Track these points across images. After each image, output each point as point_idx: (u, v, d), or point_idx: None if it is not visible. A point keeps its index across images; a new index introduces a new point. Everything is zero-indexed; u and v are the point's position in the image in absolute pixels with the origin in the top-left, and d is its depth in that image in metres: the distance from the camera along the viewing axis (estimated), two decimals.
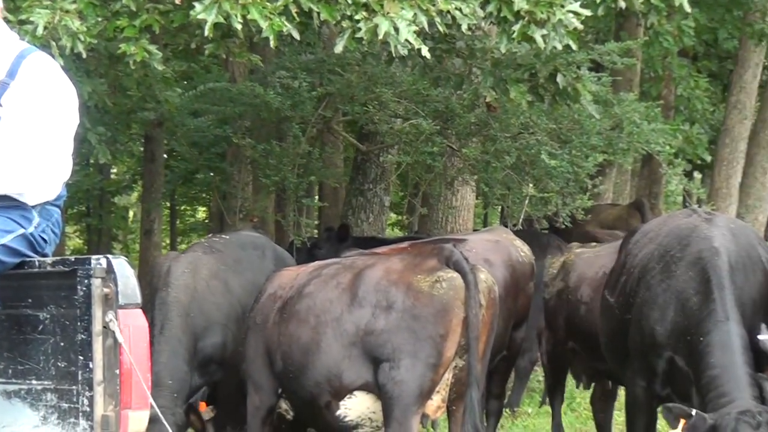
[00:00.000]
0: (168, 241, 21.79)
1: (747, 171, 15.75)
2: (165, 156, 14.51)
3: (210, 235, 10.72)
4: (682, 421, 6.18)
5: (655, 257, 7.20)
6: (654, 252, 7.28)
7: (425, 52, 6.84)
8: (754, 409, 6.12)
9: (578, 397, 11.40)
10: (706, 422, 6.12)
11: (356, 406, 6.88)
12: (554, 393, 9.16)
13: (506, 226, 11.53)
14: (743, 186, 15.67)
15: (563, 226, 12.46)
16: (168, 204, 20.04)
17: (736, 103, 15.61)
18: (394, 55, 6.93)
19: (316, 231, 17.00)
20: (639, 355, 7.06)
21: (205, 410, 7.58)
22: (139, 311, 4.60)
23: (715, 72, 19.92)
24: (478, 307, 6.76)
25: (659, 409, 7.12)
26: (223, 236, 9.30)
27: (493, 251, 8.50)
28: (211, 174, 13.27)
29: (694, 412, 6.17)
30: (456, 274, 6.80)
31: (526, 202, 11.55)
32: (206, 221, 23.12)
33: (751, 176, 15.76)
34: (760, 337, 6.50)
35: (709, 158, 16.81)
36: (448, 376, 6.84)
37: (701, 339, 6.52)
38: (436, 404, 6.85)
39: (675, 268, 6.94)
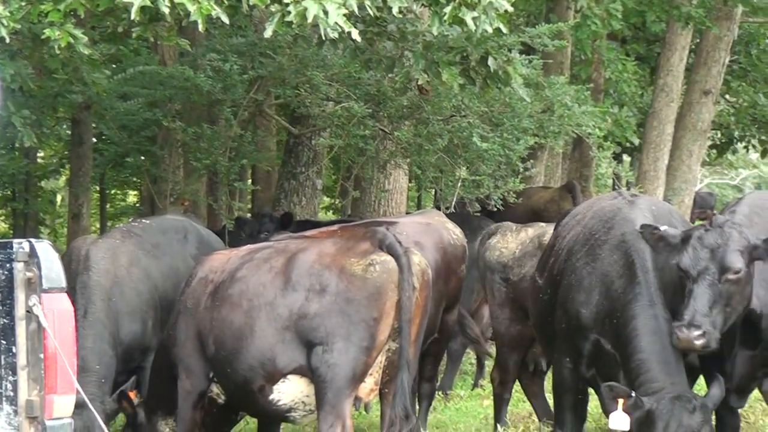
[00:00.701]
0: (98, 226, 21.50)
1: (674, 154, 15.95)
2: (94, 139, 14.26)
3: (131, 220, 10.61)
4: (621, 401, 6.27)
5: (580, 240, 7.29)
6: (580, 235, 7.36)
7: (356, 35, 6.82)
8: (689, 394, 6.27)
9: None
10: (644, 405, 6.23)
11: (289, 390, 6.87)
12: (507, 373, 9.08)
13: (439, 209, 11.56)
14: (670, 169, 15.86)
15: (495, 209, 12.55)
16: (97, 188, 19.75)
17: (663, 87, 15.80)
18: (324, 38, 6.89)
19: (249, 214, 16.95)
20: (565, 336, 7.14)
21: (134, 397, 7.52)
22: (65, 295, 4.54)
23: (643, 55, 20.14)
24: (412, 290, 6.78)
25: (591, 389, 7.26)
26: (144, 220, 9.22)
27: (425, 234, 8.52)
28: (142, 158, 13.10)
29: (633, 393, 6.27)
30: (389, 258, 6.82)
31: (459, 184, 11.59)
32: (137, 205, 22.86)
33: (678, 159, 15.97)
34: (662, 227, 6.60)
35: (637, 141, 17.01)
36: (381, 359, 6.87)
37: (628, 322, 6.60)
38: (368, 387, 6.88)
39: (600, 251, 7.03)
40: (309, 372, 6.73)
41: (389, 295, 6.74)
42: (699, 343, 6.11)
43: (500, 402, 9.09)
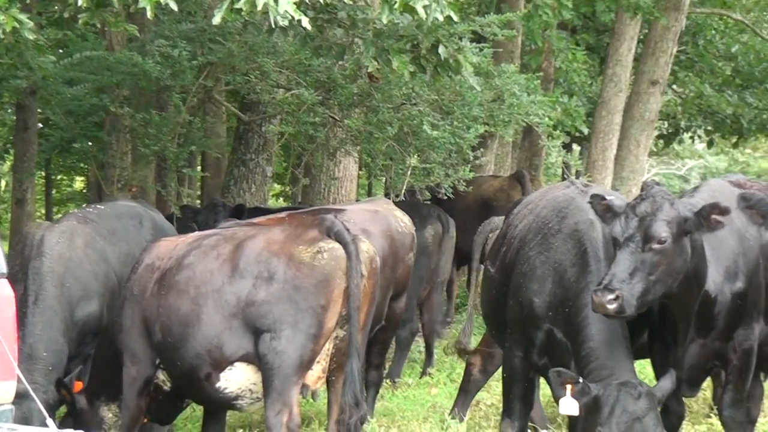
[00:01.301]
0: (43, 211, 21.23)
1: (622, 143, 16.06)
2: (39, 125, 14.07)
3: (85, 205, 10.50)
4: (569, 387, 6.32)
5: (533, 229, 7.31)
6: (533, 224, 7.38)
7: (306, 23, 6.77)
8: (634, 381, 6.32)
9: (458, 368, 11.54)
10: (591, 391, 6.28)
11: (236, 378, 6.85)
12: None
13: (389, 197, 11.56)
14: (618, 158, 15.99)
15: (445, 197, 12.58)
16: (43, 173, 19.49)
17: (612, 76, 15.90)
18: (274, 25, 6.84)
19: (198, 201, 16.84)
20: (517, 326, 7.16)
21: (79, 386, 7.47)
22: (5, 281, 4.46)
23: (593, 45, 20.27)
24: (360, 277, 6.80)
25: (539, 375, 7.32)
26: (98, 206, 9.12)
27: (372, 221, 8.51)
28: (89, 143, 12.91)
29: (581, 379, 6.32)
30: (337, 245, 6.83)
31: (409, 172, 11.59)
32: (84, 191, 22.58)
33: (626, 149, 16.08)
34: (608, 197, 6.65)
35: (586, 130, 17.12)
36: (328, 347, 6.88)
37: (580, 311, 6.63)
38: (316, 374, 6.89)
39: (553, 240, 7.05)
40: (256, 359, 6.72)
41: (337, 283, 6.75)
42: (611, 307, 6.09)
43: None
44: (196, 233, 7.73)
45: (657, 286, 6.35)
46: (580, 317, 6.63)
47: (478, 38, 11.95)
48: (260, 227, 7.18)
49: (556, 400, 6.58)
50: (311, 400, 9.14)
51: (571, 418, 6.65)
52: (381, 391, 9.91)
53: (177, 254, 7.11)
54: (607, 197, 6.64)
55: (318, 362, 6.85)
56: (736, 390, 7.19)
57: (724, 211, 6.44)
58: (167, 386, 7.24)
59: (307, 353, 6.68)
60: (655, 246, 6.28)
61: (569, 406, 6.36)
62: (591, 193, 6.74)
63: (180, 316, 6.87)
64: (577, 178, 15.78)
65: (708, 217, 6.44)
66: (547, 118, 12.62)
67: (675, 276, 6.42)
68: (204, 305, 6.82)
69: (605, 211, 6.54)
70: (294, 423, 6.63)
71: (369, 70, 8.70)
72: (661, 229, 6.29)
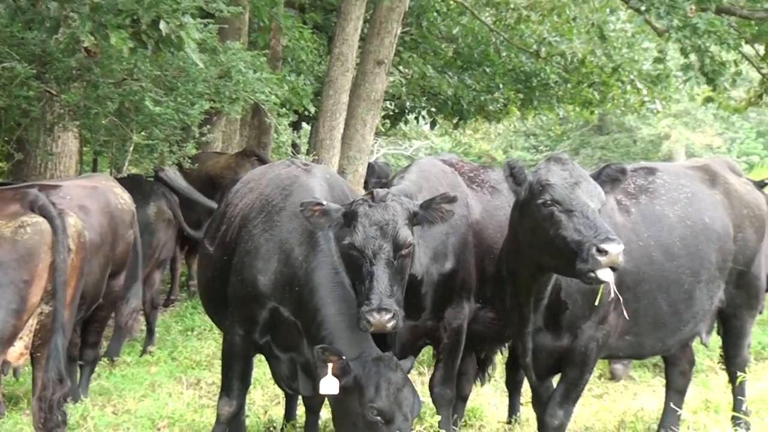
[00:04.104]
0: None
1: (349, 123, 16.20)
2: None
3: None
4: (332, 365, 6.32)
5: (256, 207, 7.28)
6: (255, 202, 7.35)
7: None
8: (387, 355, 6.40)
9: (179, 346, 11.42)
10: (351, 370, 6.31)
11: None
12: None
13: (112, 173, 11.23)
14: (345, 138, 16.12)
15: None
16: None
17: (339, 56, 16.00)
18: None
19: None
20: (240, 304, 7.10)
21: None
22: None
23: (320, 24, 20.42)
24: (67, 252, 6.67)
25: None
26: None
27: (90, 198, 8.32)
28: None
29: (344, 357, 6.32)
30: (42, 219, 6.67)
31: (131, 149, 11.28)
32: None
33: (353, 128, 16.24)
34: (324, 201, 6.69)
35: (314, 109, 17.23)
36: (32, 323, 6.69)
37: (314, 291, 6.65)
38: (18, 351, 6.69)
39: (278, 218, 7.05)
40: None
41: (42, 258, 6.58)
42: (390, 325, 6.18)
43: None
44: None
45: (405, 284, 6.52)
46: (315, 297, 6.65)
47: (204, 14, 11.75)
48: None
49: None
50: (13, 378, 8.81)
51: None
52: (98, 369, 9.67)
53: None
54: (322, 201, 6.65)
55: (20, 338, 6.64)
56: (446, 368, 7.47)
57: (452, 200, 6.64)
58: None
59: (8, 329, 6.45)
60: (404, 252, 6.42)
61: (330, 384, 6.34)
62: (302, 202, 6.71)
63: None
64: (306, 157, 15.95)
65: (438, 209, 6.63)
66: (274, 96, 12.57)
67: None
68: None
69: (321, 215, 6.57)
70: None
71: (85, 45, 8.36)
72: (407, 235, 6.42)
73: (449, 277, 7.23)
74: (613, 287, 6.35)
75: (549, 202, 6.23)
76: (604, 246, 5.89)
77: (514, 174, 6.50)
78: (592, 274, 5.94)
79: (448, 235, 7.24)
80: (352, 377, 6.34)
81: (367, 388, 6.28)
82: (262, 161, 13.90)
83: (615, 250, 5.88)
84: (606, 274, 5.93)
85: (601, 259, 5.89)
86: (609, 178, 6.52)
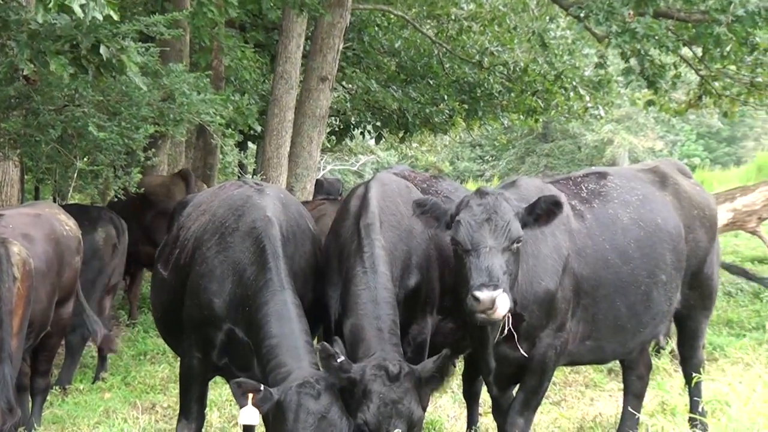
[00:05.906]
0: None
1: (295, 140, 16.21)
2: None
3: None
4: (251, 396, 6.17)
5: (210, 229, 7.23)
6: (209, 224, 7.30)
7: None
8: (312, 379, 6.18)
9: (133, 371, 11.28)
10: (273, 397, 6.14)
11: None
12: None
13: (55, 201, 11.08)
14: (292, 155, 16.12)
15: (116, 199, 12.23)
16: None
17: (283, 73, 16.01)
18: None
19: None
20: (196, 327, 7.02)
21: None
22: None
23: (262, 42, 20.36)
24: (12, 281, 6.59)
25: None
26: None
27: (34, 226, 8.24)
28: None
29: (262, 387, 6.17)
30: None
31: (75, 175, 11.11)
32: None
33: (299, 145, 16.25)
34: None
35: (260, 128, 17.15)
36: None
37: (259, 309, 6.59)
38: None
39: (231, 239, 7.00)
40: None
41: None
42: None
43: None
44: None
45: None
46: (260, 315, 6.58)
47: (145, 38, 11.65)
48: None
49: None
50: None
51: None
52: (50, 398, 9.53)
53: None
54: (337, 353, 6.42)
55: None
56: None
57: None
58: None
59: None
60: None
61: (250, 415, 6.19)
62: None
63: None
64: (254, 176, 15.88)
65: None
66: (218, 117, 12.49)
67: None
68: None
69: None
70: None
71: (25, 73, 8.25)
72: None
73: (415, 293, 7.20)
74: (508, 324, 6.43)
75: (452, 240, 6.36)
76: (476, 293, 5.96)
77: (426, 212, 6.56)
78: (476, 317, 6.05)
79: (413, 251, 7.21)
80: (275, 404, 6.15)
81: (286, 418, 6.10)
82: (188, 185, 13.91)
83: (486, 297, 5.93)
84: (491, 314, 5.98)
85: (474, 305, 5.98)
86: (543, 211, 6.51)
